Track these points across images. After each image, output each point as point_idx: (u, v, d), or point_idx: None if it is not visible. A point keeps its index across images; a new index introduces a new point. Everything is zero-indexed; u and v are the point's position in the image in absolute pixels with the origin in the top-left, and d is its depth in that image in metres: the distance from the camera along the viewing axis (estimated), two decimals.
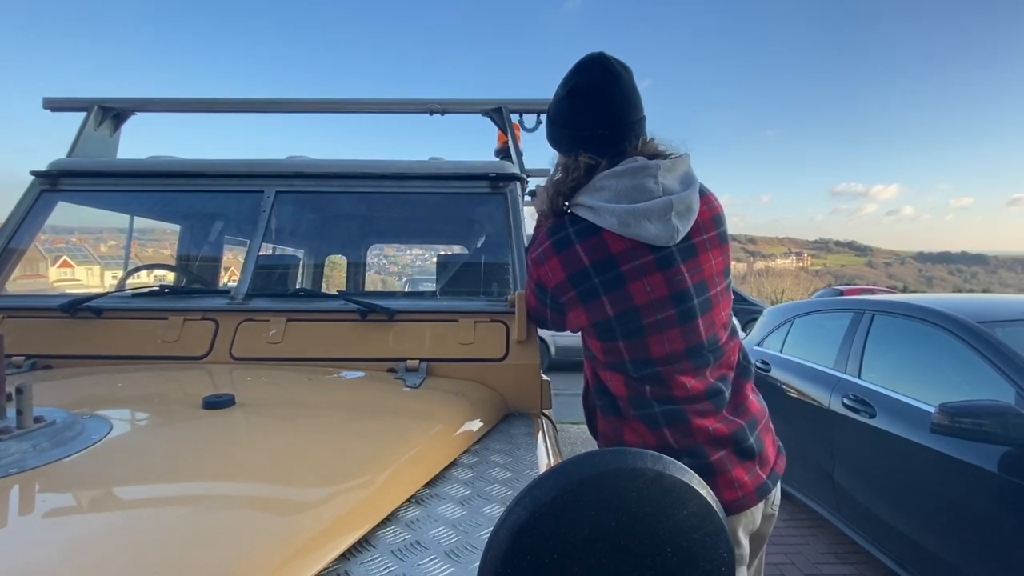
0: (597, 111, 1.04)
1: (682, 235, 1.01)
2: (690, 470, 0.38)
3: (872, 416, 2.25)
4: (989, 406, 1.71)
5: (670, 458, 0.38)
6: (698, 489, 0.38)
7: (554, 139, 1.15)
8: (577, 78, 1.05)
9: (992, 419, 1.67)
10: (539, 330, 1.35)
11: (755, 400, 1.12)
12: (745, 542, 1.07)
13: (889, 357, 2.43)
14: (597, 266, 1.01)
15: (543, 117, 1.81)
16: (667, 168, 1.03)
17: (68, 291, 1.79)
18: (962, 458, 1.78)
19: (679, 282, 1.01)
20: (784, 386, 3.00)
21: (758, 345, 3.51)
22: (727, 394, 1.05)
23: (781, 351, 3.26)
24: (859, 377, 2.48)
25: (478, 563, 0.57)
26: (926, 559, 1.94)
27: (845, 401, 2.44)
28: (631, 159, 1.04)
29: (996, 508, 1.68)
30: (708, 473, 0.99)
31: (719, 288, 1.07)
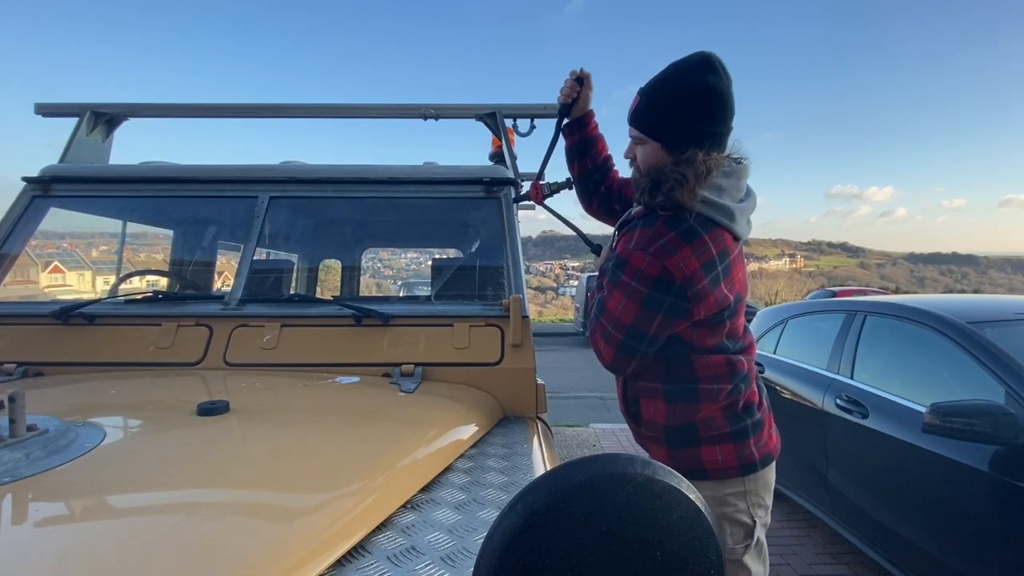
0: (725, 110, 1.10)
1: None
2: (679, 475, 0.39)
3: (865, 416, 2.26)
4: (979, 406, 1.73)
5: (659, 463, 0.38)
6: (687, 493, 0.38)
7: (661, 128, 1.13)
8: (708, 76, 1.07)
9: (982, 419, 1.69)
10: None
11: None
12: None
13: (881, 358, 2.45)
14: (720, 255, 1.09)
15: (536, 122, 1.82)
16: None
17: (59, 296, 1.78)
18: (954, 457, 1.80)
19: (744, 269, 1.19)
20: (778, 387, 3.02)
21: None
22: None
23: (775, 352, 3.28)
24: (852, 378, 2.50)
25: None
26: (919, 558, 1.96)
27: (838, 402, 2.46)
28: (733, 160, 1.14)
29: (988, 507, 1.70)
30: (765, 421, 1.20)
31: None
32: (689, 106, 1.09)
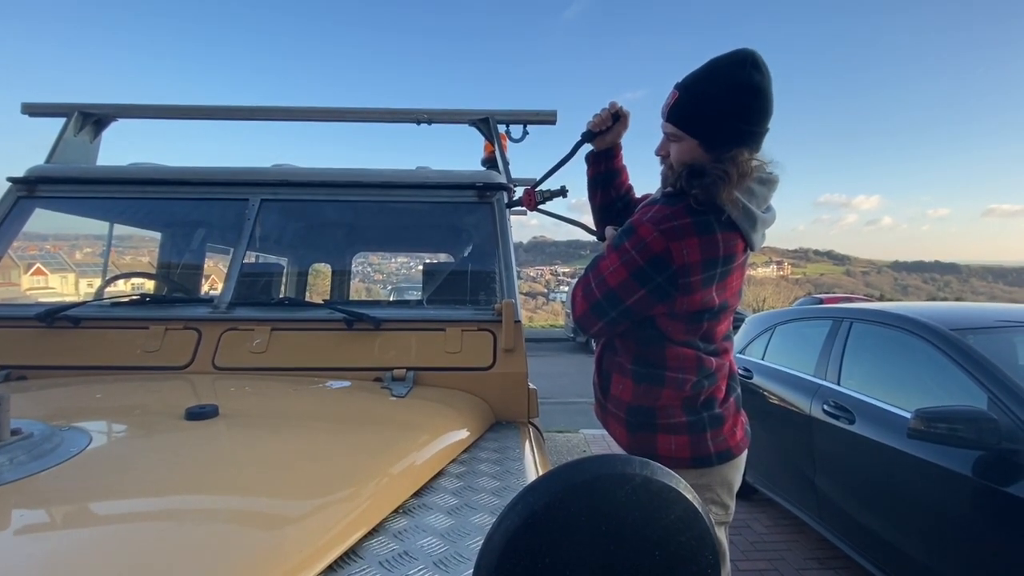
0: (767, 110, 1.07)
1: None
2: (677, 475, 0.39)
3: (851, 422, 2.29)
4: (963, 411, 1.76)
5: (657, 464, 0.39)
6: (684, 493, 0.39)
7: (702, 125, 1.09)
8: (754, 74, 1.04)
9: (966, 424, 1.71)
10: None
11: None
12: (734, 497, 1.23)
13: (867, 364, 2.48)
14: (725, 258, 1.09)
15: (529, 128, 1.83)
16: None
17: (42, 299, 1.75)
18: (938, 462, 1.82)
19: (742, 279, 1.20)
20: (766, 393, 3.05)
21: (740, 352, 3.56)
22: None
23: (763, 358, 3.31)
24: (838, 384, 2.53)
25: (468, 572, 0.57)
26: (905, 563, 1.98)
27: (825, 408, 2.48)
28: (767, 169, 1.13)
29: (971, 511, 1.72)
30: (727, 417, 1.21)
31: None
32: (733, 104, 1.05)
